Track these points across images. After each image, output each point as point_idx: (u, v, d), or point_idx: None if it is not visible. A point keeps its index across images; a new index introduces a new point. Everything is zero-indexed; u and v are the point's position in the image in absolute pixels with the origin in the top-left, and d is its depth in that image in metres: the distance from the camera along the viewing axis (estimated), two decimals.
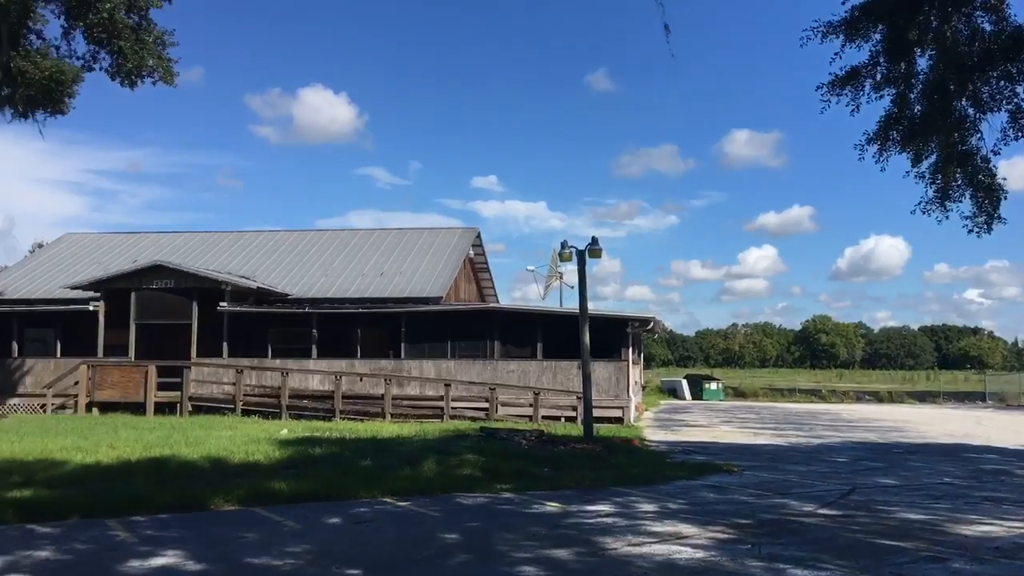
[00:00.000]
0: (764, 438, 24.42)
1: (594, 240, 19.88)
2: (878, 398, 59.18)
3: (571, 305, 36.95)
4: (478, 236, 38.21)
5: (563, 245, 20.19)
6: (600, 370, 25.93)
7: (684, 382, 56.93)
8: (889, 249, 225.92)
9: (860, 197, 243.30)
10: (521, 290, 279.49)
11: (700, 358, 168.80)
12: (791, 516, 10.98)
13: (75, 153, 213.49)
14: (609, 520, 10.72)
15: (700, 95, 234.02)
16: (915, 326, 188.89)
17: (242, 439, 18.40)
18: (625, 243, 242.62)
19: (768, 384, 70.13)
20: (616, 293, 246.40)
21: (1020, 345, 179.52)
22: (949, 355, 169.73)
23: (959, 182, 16.19)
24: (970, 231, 16.70)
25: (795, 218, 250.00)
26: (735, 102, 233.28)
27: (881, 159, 16.59)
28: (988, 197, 16.25)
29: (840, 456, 19.61)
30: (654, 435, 24.33)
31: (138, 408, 27.04)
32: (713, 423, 30.27)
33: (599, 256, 19.86)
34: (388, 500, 12.22)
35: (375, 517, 10.86)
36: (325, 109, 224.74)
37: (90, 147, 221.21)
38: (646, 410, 35.82)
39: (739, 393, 60.29)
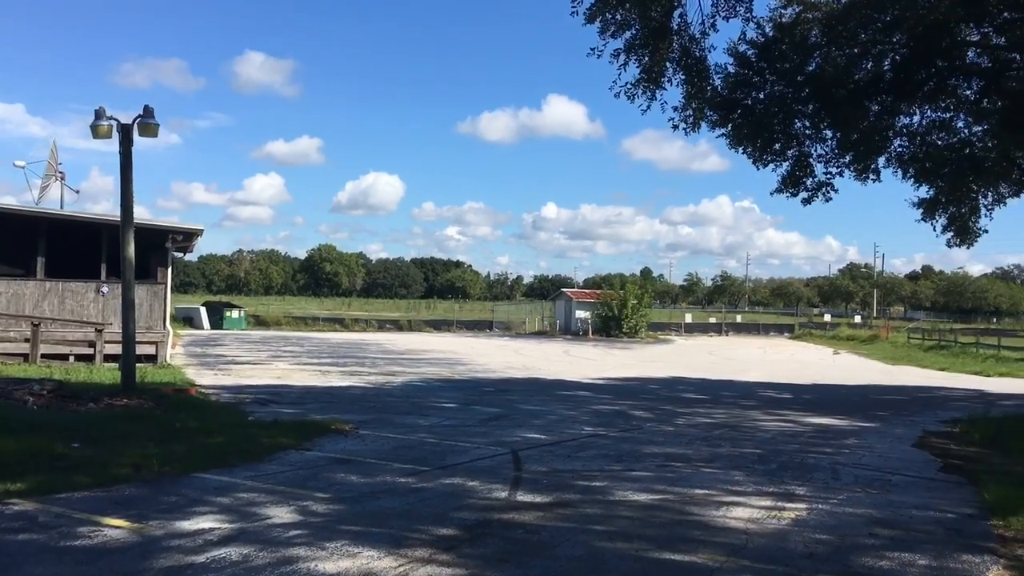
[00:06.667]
0: (336, 378, 20.88)
1: (147, 111, 13.93)
2: (398, 326, 59.29)
3: (73, 212, 29.05)
4: None
5: (98, 115, 13.81)
6: None
7: (203, 310, 50.85)
8: (386, 186, 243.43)
9: (366, 134, 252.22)
10: None
11: (203, 284, 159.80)
12: (496, 513, 7.57)
13: None
14: (235, 553, 6.18)
15: (213, 8, 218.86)
16: (407, 258, 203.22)
17: None
18: (117, 159, 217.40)
19: (286, 312, 66.79)
20: (103, 213, 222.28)
21: (492, 278, 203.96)
22: (436, 285, 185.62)
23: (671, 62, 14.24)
24: (676, 126, 15.64)
25: (304, 149, 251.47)
26: (250, 21, 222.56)
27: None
28: (698, 78, 14.70)
29: (443, 400, 16.88)
30: (202, 378, 19.26)
31: None
32: (262, 359, 25.87)
33: (155, 134, 13.96)
34: None
35: None
36: None
37: None
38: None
39: (261, 322, 55.86)
